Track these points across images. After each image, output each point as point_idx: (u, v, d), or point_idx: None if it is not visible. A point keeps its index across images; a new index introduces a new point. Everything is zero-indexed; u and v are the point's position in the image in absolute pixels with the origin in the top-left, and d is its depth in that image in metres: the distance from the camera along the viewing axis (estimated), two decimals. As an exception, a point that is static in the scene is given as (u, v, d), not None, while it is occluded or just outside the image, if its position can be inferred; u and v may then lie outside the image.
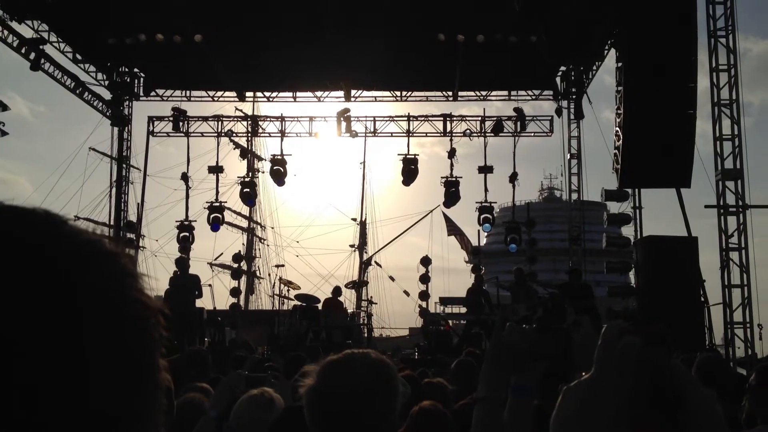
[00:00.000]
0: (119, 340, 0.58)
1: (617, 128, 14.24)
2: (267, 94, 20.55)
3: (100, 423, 0.56)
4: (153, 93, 20.38)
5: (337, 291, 16.99)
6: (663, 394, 1.04)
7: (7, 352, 0.53)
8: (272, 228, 37.91)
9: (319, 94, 20.10)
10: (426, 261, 20.63)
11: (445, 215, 27.26)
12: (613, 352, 1.04)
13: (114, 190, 20.77)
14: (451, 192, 19.48)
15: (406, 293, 25.82)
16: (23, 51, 16.30)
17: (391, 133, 20.51)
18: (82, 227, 0.62)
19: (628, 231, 18.08)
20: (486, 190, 19.58)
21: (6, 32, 15.96)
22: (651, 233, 15.74)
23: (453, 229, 27.54)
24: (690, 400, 1.06)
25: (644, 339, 1.06)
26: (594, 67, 18.89)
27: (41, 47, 16.64)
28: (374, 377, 2.05)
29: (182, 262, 15.85)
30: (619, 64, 14.43)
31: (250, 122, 20.91)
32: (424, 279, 20.37)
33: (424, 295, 20.14)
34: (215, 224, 19.74)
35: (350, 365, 2.06)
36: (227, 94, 20.21)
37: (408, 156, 19.60)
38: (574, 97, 19.77)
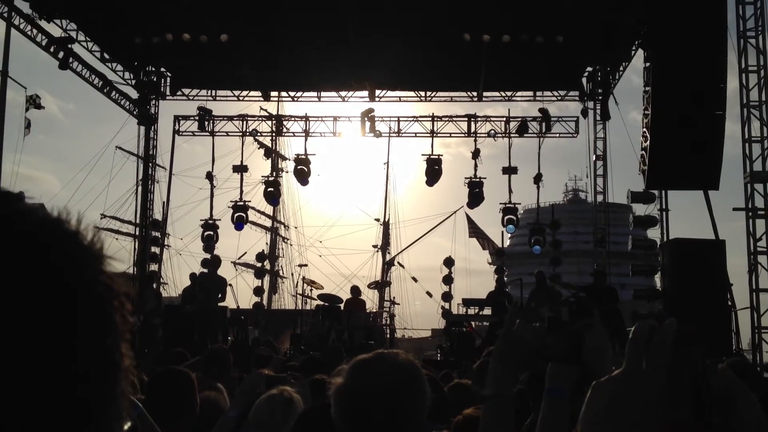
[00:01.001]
0: (77, 321, 0.55)
1: (644, 129, 14.09)
2: (291, 93, 20.61)
3: (62, 407, 0.53)
4: (179, 92, 20.54)
5: (356, 291, 17.00)
6: (701, 398, 1.01)
7: None
8: (295, 227, 38.08)
9: (343, 94, 20.12)
10: (449, 262, 20.59)
11: (467, 216, 27.16)
12: (645, 348, 1.01)
13: (140, 188, 20.95)
14: (475, 193, 19.40)
15: (429, 294, 25.75)
16: (52, 50, 16.48)
17: (415, 133, 20.49)
18: (37, 206, 0.58)
19: (654, 233, 17.84)
20: (510, 191, 19.49)
21: (35, 31, 16.14)
22: (678, 236, 15.54)
23: (474, 230, 27.41)
24: (739, 406, 1.02)
25: (679, 338, 1.03)
26: (621, 68, 18.72)
27: (69, 46, 16.81)
28: (403, 378, 2.02)
29: (212, 262, 15.93)
30: (647, 65, 14.27)
31: (274, 122, 20.98)
32: (447, 280, 20.33)
33: (446, 297, 20.09)
34: (239, 223, 19.85)
35: (379, 365, 2.04)
36: (252, 93, 20.29)
37: (432, 156, 19.56)
38: (600, 98, 19.60)
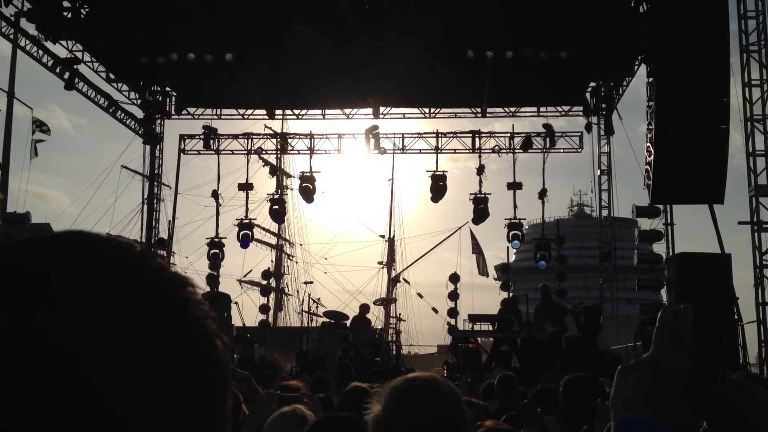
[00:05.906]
0: (210, 348, 0.61)
1: (649, 144, 14.12)
2: (296, 111, 20.70)
3: (192, 419, 0.58)
4: (184, 111, 20.64)
5: (364, 308, 17.01)
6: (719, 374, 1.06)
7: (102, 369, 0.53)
8: (301, 245, 38.12)
9: (347, 111, 20.20)
10: (455, 278, 20.56)
11: (471, 233, 27.15)
12: (671, 332, 1.06)
13: (145, 207, 21.00)
14: (480, 208, 19.41)
15: (435, 310, 25.75)
16: (58, 71, 16.57)
17: (420, 149, 20.53)
18: (155, 256, 0.64)
19: (659, 248, 17.86)
20: (515, 206, 19.50)
21: (41, 52, 16.25)
22: (683, 250, 15.52)
23: (476, 248, 27.38)
24: (753, 420, 1.05)
25: (695, 324, 1.07)
26: (624, 83, 18.77)
27: (75, 67, 16.91)
28: (446, 408, 1.96)
29: (211, 281, 15.98)
30: (650, 80, 14.33)
31: (279, 140, 21.05)
32: (453, 296, 20.29)
33: (452, 312, 20.05)
34: (245, 241, 19.87)
35: (420, 393, 1.96)
36: (257, 112, 20.38)
37: (436, 172, 19.58)
38: (604, 112, 19.64)
